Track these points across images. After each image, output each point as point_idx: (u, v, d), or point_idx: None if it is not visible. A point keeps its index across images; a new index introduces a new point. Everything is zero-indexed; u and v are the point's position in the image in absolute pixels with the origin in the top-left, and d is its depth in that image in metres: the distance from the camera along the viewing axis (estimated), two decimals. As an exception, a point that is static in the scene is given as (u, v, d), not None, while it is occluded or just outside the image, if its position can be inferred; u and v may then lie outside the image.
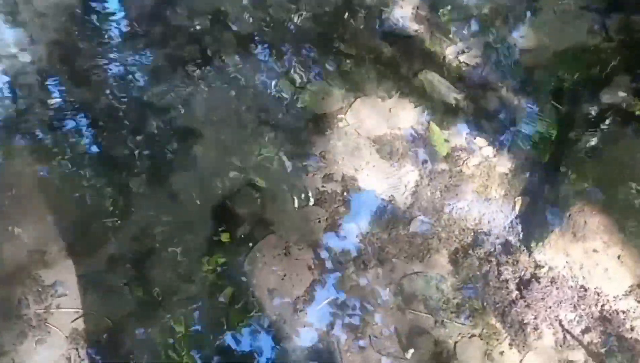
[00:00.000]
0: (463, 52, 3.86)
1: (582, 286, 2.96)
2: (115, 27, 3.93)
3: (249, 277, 3.16)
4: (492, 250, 3.15)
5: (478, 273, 3.09)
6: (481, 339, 2.94)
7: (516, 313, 2.96)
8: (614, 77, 3.64)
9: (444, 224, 3.29)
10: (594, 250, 2.92)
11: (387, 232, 3.28)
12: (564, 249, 3.01)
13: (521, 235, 3.18)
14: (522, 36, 3.90)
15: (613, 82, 3.61)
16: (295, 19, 3.95)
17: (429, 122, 3.62)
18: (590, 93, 3.59)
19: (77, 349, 2.93)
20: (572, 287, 2.95)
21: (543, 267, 3.03)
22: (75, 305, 3.05)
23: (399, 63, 3.84)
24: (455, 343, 2.96)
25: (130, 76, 3.77)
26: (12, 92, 3.65)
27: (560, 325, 2.91)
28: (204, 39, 3.90)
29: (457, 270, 3.13)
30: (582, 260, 2.98)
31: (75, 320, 3.00)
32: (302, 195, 3.41)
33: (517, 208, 3.29)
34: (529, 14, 3.98)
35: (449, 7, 4.02)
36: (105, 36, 3.86)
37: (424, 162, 3.50)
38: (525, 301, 2.96)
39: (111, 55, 3.82)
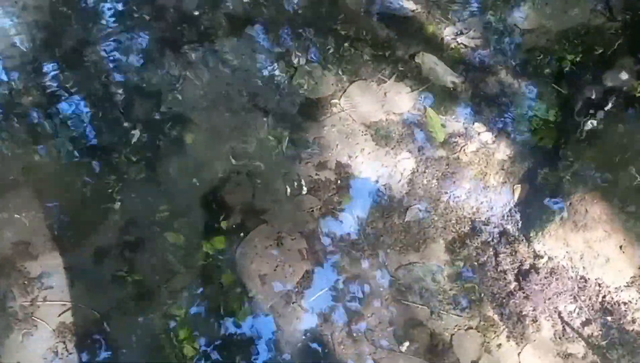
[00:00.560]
0: (461, 33, 3.68)
1: (582, 277, 2.84)
2: (105, 9, 3.73)
3: (240, 267, 3.03)
4: (490, 239, 3.02)
5: (475, 263, 2.97)
6: (478, 331, 2.84)
7: (514, 304, 2.85)
8: (617, 59, 3.47)
9: (441, 213, 3.16)
10: (595, 240, 2.79)
11: (383, 221, 3.15)
12: (564, 239, 2.88)
13: (520, 224, 3.05)
14: (522, 17, 3.71)
15: (616, 64, 3.44)
16: (292, 6, 3.75)
17: (425, 107, 3.46)
18: (592, 75, 3.42)
19: (64, 342, 2.83)
20: (572, 277, 2.84)
21: (542, 257, 2.91)
22: (62, 298, 2.94)
23: (395, 45, 3.66)
24: (452, 335, 2.85)
25: (119, 60, 3.59)
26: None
27: (560, 317, 2.80)
28: (196, 20, 3.71)
29: (453, 260, 3.01)
30: (583, 250, 2.86)
31: (62, 313, 2.89)
32: (295, 184, 3.27)
33: (516, 196, 3.15)
34: (530, -8, 3.78)
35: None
36: (90, 22, 3.66)
37: (421, 148, 3.35)
38: (523, 292, 2.85)
39: (98, 38, 3.63)
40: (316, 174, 3.30)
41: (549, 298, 2.82)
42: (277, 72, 3.58)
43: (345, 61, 3.59)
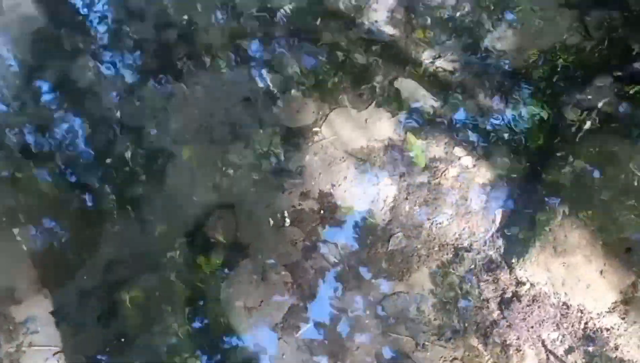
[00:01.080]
0: (439, 57, 3.66)
1: (564, 303, 2.83)
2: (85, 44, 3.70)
3: (225, 303, 3.01)
4: (473, 267, 3.01)
5: (459, 292, 2.95)
6: (463, 362, 2.82)
7: (498, 334, 2.84)
8: (594, 78, 3.46)
9: (424, 240, 3.14)
10: (576, 265, 2.78)
11: (366, 250, 3.13)
12: (545, 265, 2.87)
13: (502, 249, 3.03)
14: (499, 38, 3.69)
15: (594, 83, 3.43)
16: (272, 38, 3.72)
17: (406, 133, 3.44)
18: (569, 95, 3.41)
19: (52, 388, 2.80)
20: (554, 304, 2.82)
21: (524, 284, 2.89)
22: (48, 342, 2.90)
23: (374, 71, 3.64)
24: (438, 366, 2.83)
25: (99, 94, 3.56)
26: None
27: (543, 345, 2.78)
28: (176, 53, 3.68)
29: (437, 289, 2.99)
30: (564, 275, 2.84)
31: (48, 359, 2.85)
32: (278, 215, 3.25)
33: (498, 221, 3.14)
34: (506, 13, 3.76)
35: (424, 9, 3.80)
36: (72, 56, 3.64)
37: (402, 174, 3.34)
38: (507, 321, 2.83)
39: (78, 73, 3.60)
40: (299, 204, 3.28)
41: (532, 327, 2.81)
42: (258, 102, 3.56)
43: (324, 89, 3.57)
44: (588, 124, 3.28)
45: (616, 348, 2.74)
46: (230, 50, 3.68)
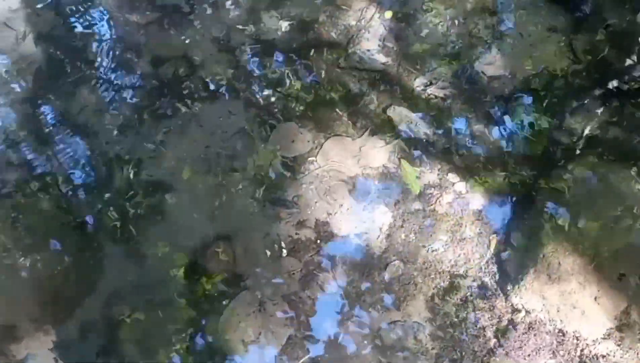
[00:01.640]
0: (431, 84, 3.70)
1: (560, 330, 2.83)
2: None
3: (222, 335, 3.01)
4: (469, 294, 3.01)
5: (456, 320, 2.95)
6: (461, 392, 2.82)
7: None
8: (584, 102, 3.49)
9: (420, 268, 3.15)
10: (570, 292, 2.78)
11: (363, 279, 3.14)
12: (539, 291, 2.88)
13: (497, 276, 3.04)
14: (489, 63, 3.73)
15: (583, 108, 3.46)
16: (266, 69, 3.76)
17: (400, 160, 3.47)
18: (560, 120, 3.44)
19: None
20: (550, 331, 2.82)
21: (520, 311, 2.89)
22: (49, 380, 2.90)
23: (367, 99, 3.68)
24: (436, 397, 2.83)
25: (97, 128, 3.60)
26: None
27: (540, 373, 2.78)
28: (172, 86, 3.73)
29: (434, 317, 2.99)
30: (559, 302, 2.85)
31: (49, 396, 2.86)
32: (275, 246, 3.27)
33: (492, 247, 3.15)
34: (496, 39, 3.81)
35: (415, 37, 3.85)
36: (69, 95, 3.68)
37: (397, 202, 3.36)
38: (503, 349, 2.83)
39: (77, 107, 3.65)
40: (296, 234, 3.30)
41: (529, 355, 2.81)
42: (254, 132, 3.59)
43: (319, 118, 3.61)
44: (578, 151, 3.31)
45: (612, 375, 2.73)
46: (225, 83, 3.73)
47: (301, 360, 2.95)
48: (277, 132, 3.58)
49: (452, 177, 3.42)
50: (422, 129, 3.56)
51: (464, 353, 2.88)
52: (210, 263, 3.21)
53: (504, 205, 3.27)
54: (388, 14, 3.91)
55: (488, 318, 2.93)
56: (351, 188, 3.41)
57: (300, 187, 3.42)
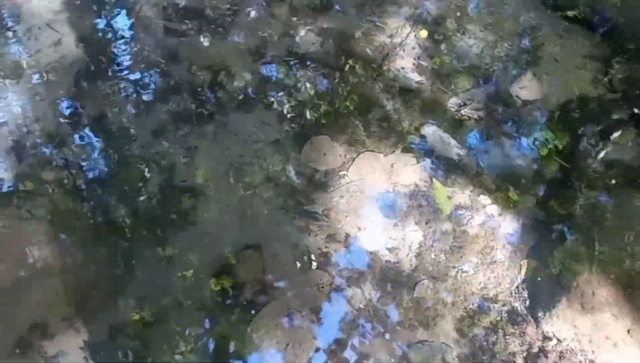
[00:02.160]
0: (465, 105, 3.71)
1: (591, 361, 2.79)
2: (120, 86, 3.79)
3: (250, 346, 3.01)
4: (499, 318, 2.99)
5: (485, 344, 2.93)
6: (489, 417, 2.78)
7: (525, 389, 2.81)
8: (617, 131, 3.47)
9: (449, 289, 3.13)
10: (603, 323, 2.75)
11: (392, 296, 3.12)
12: (572, 320, 2.85)
13: (528, 302, 3.01)
14: (523, 87, 3.73)
15: (618, 137, 3.44)
16: (300, 82, 3.79)
17: (432, 179, 3.46)
18: (593, 147, 3.42)
19: (80, 426, 2.80)
20: (580, 362, 2.79)
21: (551, 339, 2.86)
22: (77, 378, 2.91)
23: (400, 116, 3.69)
24: (463, 420, 2.80)
25: (133, 133, 3.63)
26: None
27: (570, 403, 2.74)
28: (206, 94, 3.76)
29: (462, 340, 2.96)
30: (591, 333, 2.82)
31: (77, 394, 2.87)
32: (305, 257, 3.26)
33: (523, 272, 3.13)
34: (531, 63, 3.81)
35: (450, 57, 3.86)
36: (106, 96, 3.72)
37: (428, 221, 3.35)
38: (533, 377, 2.80)
39: (113, 112, 3.68)
40: (326, 247, 3.29)
41: (559, 384, 2.78)
42: (286, 143, 3.61)
43: (352, 132, 3.62)
44: (612, 181, 3.28)
45: (645, 410, 2.69)
46: (259, 93, 3.76)
47: (328, 375, 2.94)
48: (310, 145, 3.60)
49: (484, 199, 3.41)
50: (455, 149, 3.56)
51: (493, 378, 2.86)
52: (239, 271, 3.21)
53: (536, 230, 3.25)
54: (423, 33, 3.94)
55: (518, 344, 2.91)
56: (382, 204, 3.41)
57: (331, 201, 3.43)
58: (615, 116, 3.47)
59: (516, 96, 3.70)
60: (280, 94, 3.75)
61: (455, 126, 3.63)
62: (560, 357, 2.82)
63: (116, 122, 3.65)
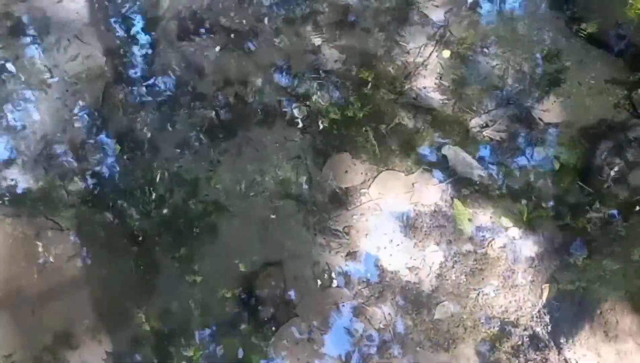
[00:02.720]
0: (487, 126, 3.70)
1: (614, 390, 2.77)
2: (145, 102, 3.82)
3: (272, 361, 3.01)
4: (520, 343, 2.97)
5: (506, 369, 2.91)
6: None
7: (546, 416, 2.78)
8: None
9: (470, 311, 3.12)
10: (627, 352, 2.73)
11: (412, 317, 3.12)
12: (595, 349, 2.82)
13: (549, 327, 2.99)
14: (547, 110, 3.72)
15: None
16: (322, 98, 3.80)
17: (453, 199, 3.46)
18: (619, 173, 3.40)
19: None
20: (604, 390, 2.76)
21: (574, 366, 2.84)
22: (99, 389, 2.93)
23: (422, 135, 3.69)
24: None
25: (158, 147, 3.66)
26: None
27: None
28: (230, 109, 3.78)
29: (484, 363, 2.95)
30: (614, 361, 2.79)
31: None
32: (325, 275, 3.27)
33: (545, 296, 3.11)
34: (554, 86, 3.80)
35: (472, 78, 3.86)
36: (133, 113, 3.76)
37: (449, 242, 3.34)
38: (555, 404, 2.78)
39: (139, 126, 3.71)
40: (346, 265, 3.30)
41: (582, 412, 2.75)
42: (308, 160, 3.62)
43: (373, 152, 3.62)
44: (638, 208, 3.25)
45: None
46: (282, 110, 3.77)
47: (348, 395, 2.93)
48: (331, 162, 3.61)
49: (505, 221, 3.39)
50: (476, 171, 3.55)
51: (514, 404, 2.84)
52: (261, 287, 3.22)
53: (558, 254, 3.23)
54: (446, 53, 3.94)
55: (540, 370, 2.89)
56: (402, 223, 3.41)
57: (352, 218, 3.43)
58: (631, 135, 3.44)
59: (539, 118, 3.69)
60: (302, 110, 3.77)
61: (477, 147, 3.63)
62: (583, 385, 2.80)
63: (141, 135, 3.69)
